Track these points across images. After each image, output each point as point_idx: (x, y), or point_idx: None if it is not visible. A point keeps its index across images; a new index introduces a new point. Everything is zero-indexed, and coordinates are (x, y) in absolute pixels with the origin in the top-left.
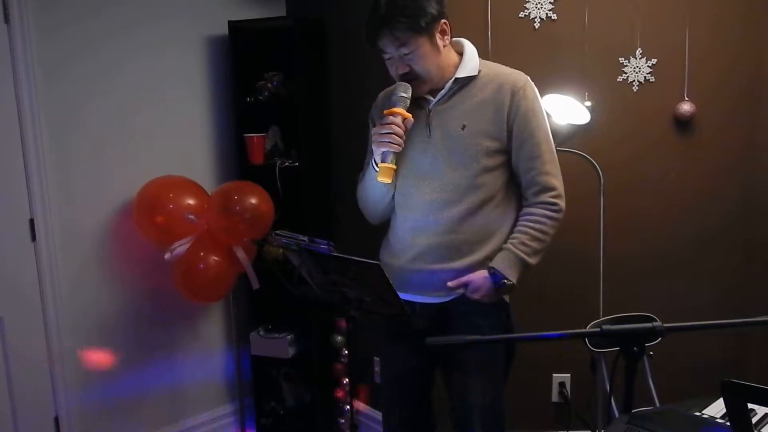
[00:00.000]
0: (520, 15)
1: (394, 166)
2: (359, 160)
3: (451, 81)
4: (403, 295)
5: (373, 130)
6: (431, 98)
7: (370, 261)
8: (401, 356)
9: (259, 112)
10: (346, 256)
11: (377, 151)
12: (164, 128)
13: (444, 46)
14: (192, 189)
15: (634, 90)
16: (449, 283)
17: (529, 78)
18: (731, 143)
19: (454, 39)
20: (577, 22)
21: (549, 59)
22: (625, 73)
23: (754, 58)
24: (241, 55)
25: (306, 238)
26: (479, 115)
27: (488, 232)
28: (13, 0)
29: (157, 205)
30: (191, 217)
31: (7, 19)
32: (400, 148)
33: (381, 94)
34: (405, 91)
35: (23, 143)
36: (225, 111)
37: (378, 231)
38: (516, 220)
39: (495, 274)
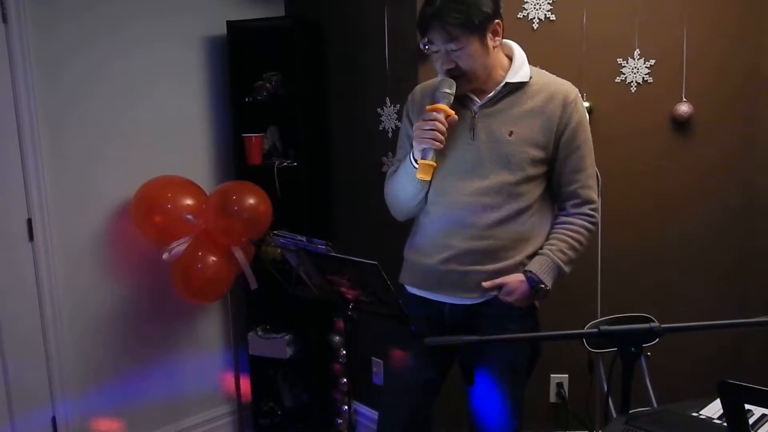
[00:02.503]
0: (518, 15)
1: (435, 164)
2: (358, 160)
3: (501, 85)
4: (432, 295)
5: (416, 125)
6: (477, 99)
7: (369, 261)
8: (412, 366)
9: (257, 112)
10: (344, 257)
11: (417, 147)
12: (163, 128)
13: (494, 47)
14: (190, 189)
15: (632, 91)
16: (484, 284)
17: (578, 90)
18: (728, 143)
19: (502, 41)
20: (575, 22)
21: (547, 60)
22: (624, 74)
23: (751, 59)
24: (239, 55)
25: (304, 239)
26: (528, 123)
27: (524, 239)
28: (10, 0)
29: (155, 205)
30: (189, 217)
31: (5, 19)
32: (442, 146)
33: (418, 88)
34: (449, 87)
35: (21, 143)
36: (223, 111)
37: (377, 231)
38: (549, 229)
39: (531, 279)
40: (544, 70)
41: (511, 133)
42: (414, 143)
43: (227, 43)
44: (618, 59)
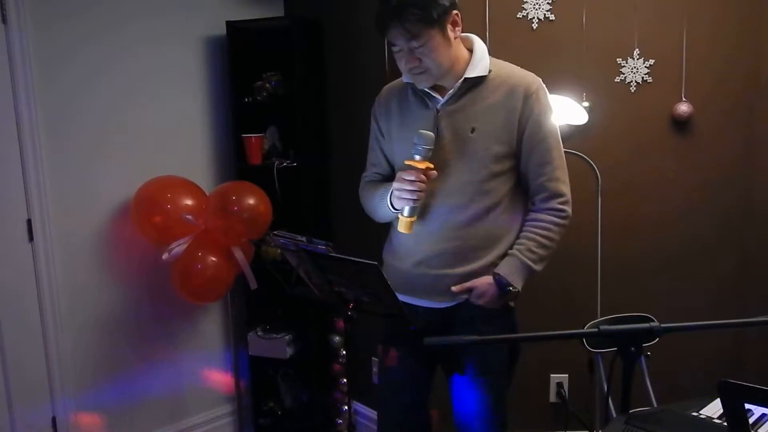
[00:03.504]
0: (518, 15)
1: (415, 218)
2: (357, 160)
3: (460, 80)
4: (407, 299)
5: (395, 185)
6: (439, 97)
7: (368, 261)
8: (405, 364)
9: (257, 112)
10: (343, 257)
11: (398, 203)
12: (162, 128)
13: (455, 38)
14: (190, 189)
15: (632, 90)
16: (453, 288)
17: (541, 80)
18: (728, 143)
19: (462, 34)
20: (575, 22)
21: (547, 60)
22: (623, 74)
23: (751, 58)
24: (239, 55)
25: (304, 239)
26: (490, 119)
27: (494, 237)
28: (10, 0)
29: (155, 205)
30: (189, 217)
31: (4, 20)
32: (422, 201)
33: (384, 90)
34: (428, 143)
35: (20, 144)
36: (223, 111)
37: (376, 232)
38: (521, 225)
39: (500, 281)
40: (506, 62)
41: (473, 130)
42: (395, 200)
43: (227, 43)
44: (617, 59)
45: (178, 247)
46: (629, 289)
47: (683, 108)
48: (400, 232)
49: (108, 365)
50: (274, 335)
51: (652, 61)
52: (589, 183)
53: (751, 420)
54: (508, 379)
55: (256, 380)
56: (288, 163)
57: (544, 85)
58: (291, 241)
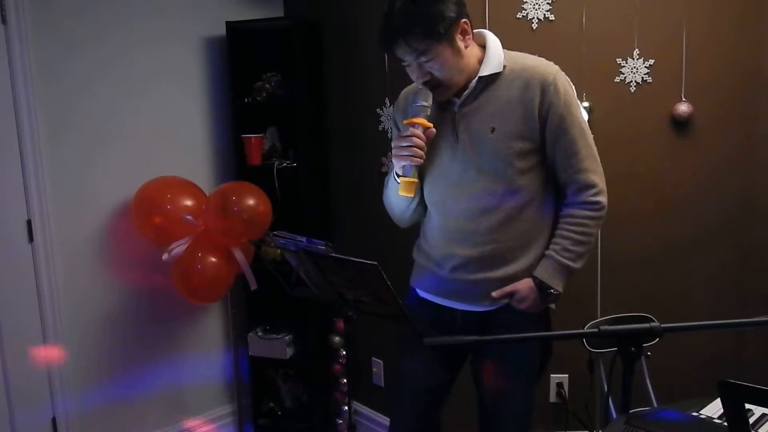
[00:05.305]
0: (517, 15)
1: (416, 180)
2: (357, 160)
3: (475, 80)
4: (444, 302)
5: (393, 143)
6: (456, 99)
7: (368, 261)
8: (426, 368)
9: (256, 112)
10: (344, 257)
11: (397, 165)
12: (162, 129)
13: (466, 47)
14: (190, 190)
15: (632, 91)
16: (493, 293)
17: (559, 69)
18: (728, 143)
19: (475, 31)
20: (574, 22)
21: (546, 60)
22: (623, 74)
23: (751, 58)
24: (238, 56)
25: (304, 239)
26: (508, 116)
27: (531, 237)
28: (9, 0)
29: (155, 206)
30: (189, 217)
31: (4, 20)
32: (422, 161)
33: (402, 94)
34: (425, 99)
35: (20, 144)
36: (223, 111)
37: (376, 232)
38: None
39: (540, 284)
40: (520, 53)
41: (493, 130)
42: (393, 161)
43: (226, 43)
44: (617, 59)
45: (178, 247)
46: (629, 288)
47: (683, 108)
48: (429, 235)
49: (108, 365)
50: (274, 336)
51: (651, 61)
52: None
53: (751, 420)
54: (537, 380)
55: (256, 380)
56: (288, 164)
57: (562, 73)
58: (291, 242)
